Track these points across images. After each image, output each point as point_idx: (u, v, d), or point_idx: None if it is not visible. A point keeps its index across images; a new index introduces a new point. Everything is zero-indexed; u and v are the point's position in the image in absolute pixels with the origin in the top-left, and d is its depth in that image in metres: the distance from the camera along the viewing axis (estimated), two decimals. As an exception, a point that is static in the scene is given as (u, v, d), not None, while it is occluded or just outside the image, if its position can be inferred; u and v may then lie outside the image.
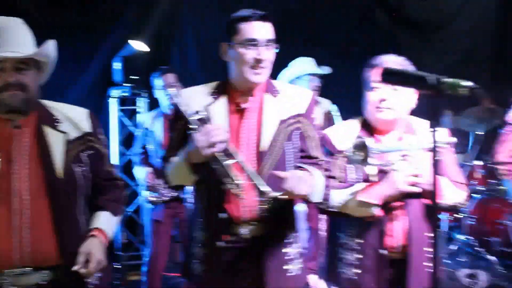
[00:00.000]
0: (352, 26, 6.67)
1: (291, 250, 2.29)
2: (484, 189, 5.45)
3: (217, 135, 2.06)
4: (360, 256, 2.35)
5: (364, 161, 2.19)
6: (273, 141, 2.22)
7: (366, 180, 2.34)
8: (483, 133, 5.57)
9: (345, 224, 2.42)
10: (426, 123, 2.46)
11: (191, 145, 2.10)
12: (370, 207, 2.26)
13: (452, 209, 2.37)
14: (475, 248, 5.18)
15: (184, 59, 5.98)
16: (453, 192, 2.34)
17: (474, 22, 7.37)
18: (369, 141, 2.22)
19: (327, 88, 4.40)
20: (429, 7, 7.24)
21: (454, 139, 2.36)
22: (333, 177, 2.37)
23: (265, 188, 2.06)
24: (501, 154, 2.93)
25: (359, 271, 2.35)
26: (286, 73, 4.22)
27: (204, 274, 2.29)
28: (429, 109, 1.62)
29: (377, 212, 2.28)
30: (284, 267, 2.25)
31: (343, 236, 2.42)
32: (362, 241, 2.36)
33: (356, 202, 2.28)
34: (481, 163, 5.54)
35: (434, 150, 1.62)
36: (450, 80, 1.56)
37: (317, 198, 2.24)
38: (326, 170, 2.36)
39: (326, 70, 4.32)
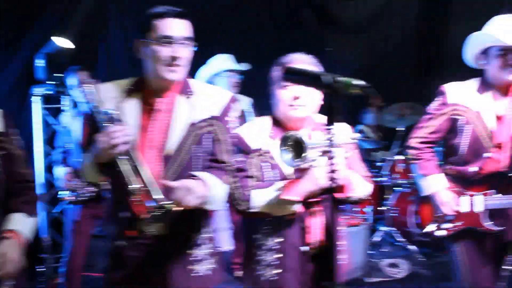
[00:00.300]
0: (279, 24, 6.76)
1: (199, 252, 2.24)
2: (405, 182, 5.70)
3: (118, 136, 1.99)
4: (280, 256, 2.33)
5: (298, 157, 2.17)
6: (181, 145, 2.17)
7: (283, 178, 2.33)
8: (404, 128, 5.84)
9: (262, 224, 2.37)
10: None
11: (96, 145, 2.05)
12: (292, 205, 2.27)
13: (358, 202, 2.45)
14: (397, 239, 5.44)
15: (111, 56, 5.89)
16: (362, 186, 2.42)
17: (397, 23, 7.66)
18: (305, 136, 2.20)
19: (253, 86, 4.48)
20: (354, 7, 7.46)
21: (358, 135, 2.45)
22: (251, 177, 2.34)
23: (157, 196, 2.01)
24: (413, 140, 2.96)
25: (280, 271, 2.33)
26: (205, 70, 4.25)
27: (111, 270, 2.23)
28: (326, 107, 1.68)
29: (299, 209, 2.29)
30: (189, 267, 2.22)
31: (260, 236, 2.37)
32: (282, 239, 2.34)
33: (279, 200, 2.26)
34: (402, 157, 5.76)
35: (330, 146, 1.71)
36: (344, 79, 1.62)
37: (215, 206, 2.20)
38: (242, 170, 2.33)
39: (244, 66, 4.35)
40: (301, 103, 2.35)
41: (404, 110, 5.86)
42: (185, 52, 2.16)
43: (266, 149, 2.36)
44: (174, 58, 2.11)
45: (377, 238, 5.49)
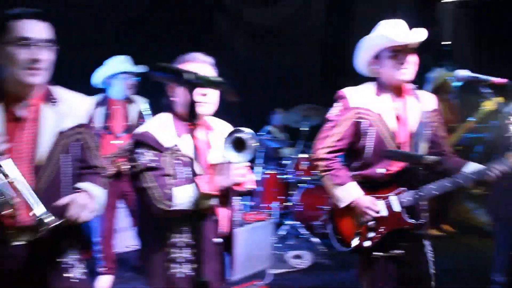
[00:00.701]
0: (191, 27, 6.89)
1: (69, 258, 2.20)
2: (308, 179, 6.06)
3: None
4: (196, 251, 2.30)
5: (244, 155, 2.19)
6: (50, 154, 2.10)
7: (195, 175, 2.31)
8: (307, 128, 6.15)
9: (177, 221, 2.33)
10: (218, 120, 2.58)
11: None
12: (211, 199, 2.30)
13: (247, 193, 2.55)
14: (302, 232, 5.74)
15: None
16: (252, 178, 2.55)
17: (306, 29, 8.03)
18: (246, 135, 2.21)
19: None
20: (266, 13, 7.72)
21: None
22: (168, 175, 2.30)
23: (47, 219, 1.93)
24: (320, 151, 2.80)
25: (196, 266, 2.28)
26: (101, 71, 4.26)
27: None
28: (188, 103, 1.75)
29: (216, 203, 2.34)
30: (65, 274, 2.17)
31: (175, 234, 2.34)
32: (196, 234, 2.25)
33: (199, 196, 2.21)
34: (306, 156, 6.12)
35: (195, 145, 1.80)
36: (204, 75, 1.73)
37: (98, 212, 2.20)
38: (156, 169, 2.28)
39: (141, 68, 4.34)
40: (207, 100, 2.37)
41: (308, 111, 6.12)
42: (46, 55, 2.05)
43: (177, 147, 2.36)
44: (34, 61, 2.01)
45: (282, 231, 5.74)
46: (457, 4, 9.12)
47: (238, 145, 2.22)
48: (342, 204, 2.77)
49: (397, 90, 2.82)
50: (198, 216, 2.25)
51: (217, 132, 2.49)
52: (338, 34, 8.07)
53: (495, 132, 3.56)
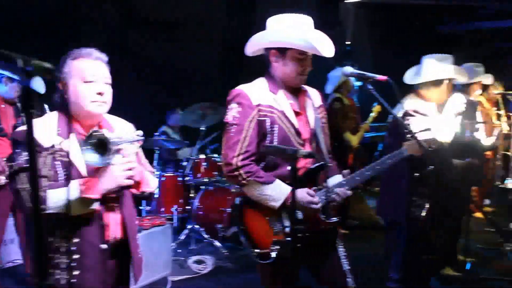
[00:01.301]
0: (79, 21, 6.54)
1: None
2: (208, 180, 5.90)
3: None
4: (78, 256, 2.22)
5: (103, 155, 2.12)
6: None
7: (78, 176, 2.22)
8: (205, 128, 5.98)
9: (56, 225, 2.21)
10: (117, 119, 2.50)
11: None
12: (91, 203, 2.19)
13: (148, 197, 2.46)
14: (203, 236, 5.56)
15: None
16: (152, 180, 2.46)
17: (205, 26, 7.90)
18: (108, 133, 2.16)
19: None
20: (161, 7, 7.51)
21: (141, 132, 2.38)
22: (44, 177, 2.17)
23: None
24: (234, 160, 2.58)
25: (79, 272, 2.22)
26: None
27: None
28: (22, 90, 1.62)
29: (97, 206, 2.23)
30: None
31: (55, 239, 2.22)
32: (78, 239, 2.23)
33: (78, 199, 2.16)
34: (204, 156, 6.00)
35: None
36: (37, 62, 1.59)
37: None
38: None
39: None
40: (104, 99, 2.29)
41: (206, 110, 5.91)
42: None
43: (58, 147, 2.22)
44: None
45: (183, 236, 5.55)
46: (358, 5, 9.36)
47: (99, 147, 2.13)
48: (278, 203, 2.56)
49: (293, 88, 2.73)
50: (79, 220, 2.22)
51: (117, 131, 2.38)
52: (238, 31, 8.01)
53: (391, 130, 3.63)
